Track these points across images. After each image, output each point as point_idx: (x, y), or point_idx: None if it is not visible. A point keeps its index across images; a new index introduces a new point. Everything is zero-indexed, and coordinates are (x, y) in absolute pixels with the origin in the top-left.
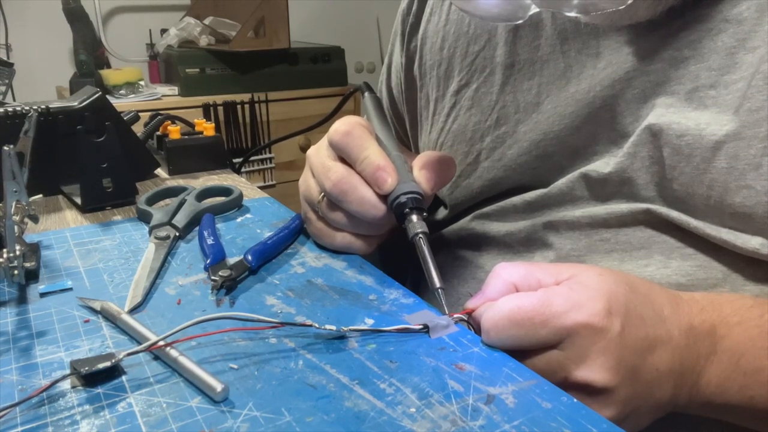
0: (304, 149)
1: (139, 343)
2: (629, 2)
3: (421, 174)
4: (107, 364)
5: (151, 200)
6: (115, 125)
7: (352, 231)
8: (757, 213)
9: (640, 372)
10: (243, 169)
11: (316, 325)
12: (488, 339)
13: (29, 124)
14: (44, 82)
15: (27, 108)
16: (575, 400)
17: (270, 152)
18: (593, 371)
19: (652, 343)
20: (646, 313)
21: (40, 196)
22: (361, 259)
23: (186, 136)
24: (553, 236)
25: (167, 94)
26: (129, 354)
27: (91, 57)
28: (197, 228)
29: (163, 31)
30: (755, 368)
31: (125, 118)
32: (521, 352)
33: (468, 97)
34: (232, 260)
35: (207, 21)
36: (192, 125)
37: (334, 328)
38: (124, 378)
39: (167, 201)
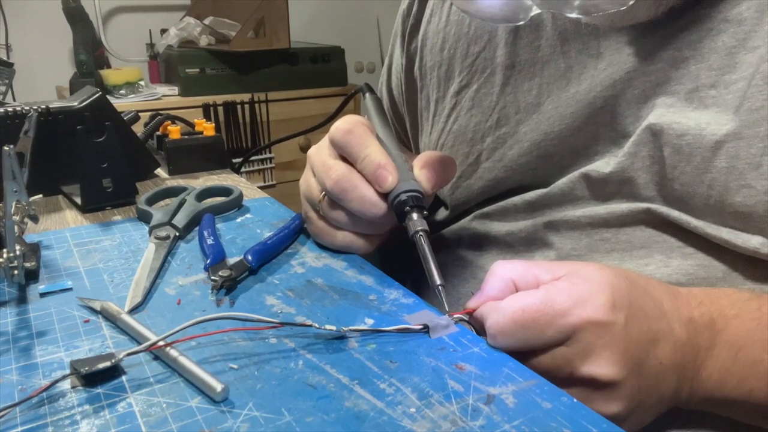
0: (304, 149)
1: (139, 343)
2: (630, 3)
3: (421, 173)
4: (107, 364)
5: (151, 200)
6: (115, 125)
7: (353, 230)
8: (758, 212)
9: (645, 365)
10: (243, 169)
11: (316, 325)
12: (495, 343)
13: (29, 124)
14: (44, 82)
15: (27, 108)
16: (575, 400)
17: (270, 152)
18: (599, 366)
19: (655, 336)
20: (647, 307)
21: (40, 196)
22: (361, 259)
23: (186, 136)
24: (553, 236)
25: (167, 94)
26: (129, 354)
27: (91, 57)
28: (197, 228)
29: (163, 31)
30: (753, 360)
31: (125, 118)
32: (526, 350)
33: (468, 97)
34: (232, 260)
35: (207, 21)
36: (192, 125)
37: (334, 328)
38: (124, 378)
39: (167, 201)
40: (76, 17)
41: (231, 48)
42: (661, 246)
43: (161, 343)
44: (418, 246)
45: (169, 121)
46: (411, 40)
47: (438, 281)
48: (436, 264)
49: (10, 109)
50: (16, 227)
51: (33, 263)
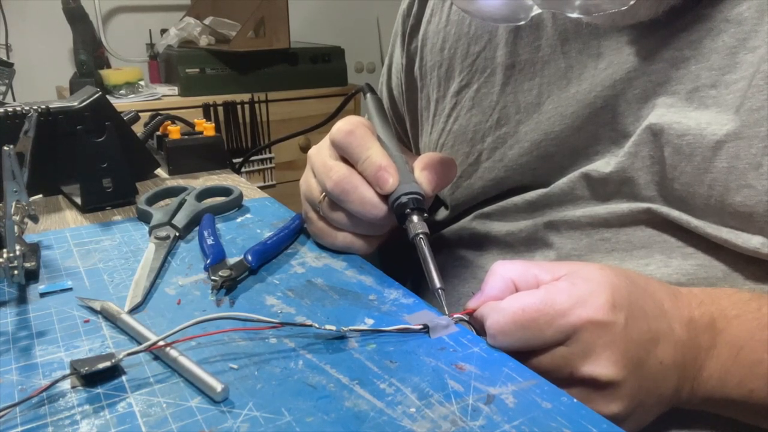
0: (304, 149)
1: (139, 343)
2: (631, 3)
3: (422, 175)
4: (107, 364)
5: (151, 200)
6: (115, 125)
7: (353, 231)
8: (758, 212)
9: (646, 365)
10: (243, 169)
11: (316, 325)
12: (495, 342)
13: (29, 124)
14: (44, 82)
15: (27, 108)
16: (575, 400)
17: (270, 152)
18: (599, 365)
19: (655, 336)
20: (647, 307)
21: (40, 196)
22: (361, 259)
23: (186, 136)
24: (554, 236)
25: (167, 94)
26: (129, 354)
27: (91, 57)
28: (197, 228)
29: (163, 31)
30: (754, 361)
31: (125, 118)
32: (526, 350)
33: (469, 97)
34: (232, 260)
35: (207, 21)
36: (192, 125)
37: (334, 328)
38: (124, 378)
39: (167, 201)
40: (76, 17)
41: (231, 48)
42: (662, 246)
43: (161, 343)
44: (419, 249)
45: (169, 121)
46: (411, 39)
47: (438, 284)
48: (436, 267)
49: (10, 109)
50: (16, 227)
51: (33, 263)
